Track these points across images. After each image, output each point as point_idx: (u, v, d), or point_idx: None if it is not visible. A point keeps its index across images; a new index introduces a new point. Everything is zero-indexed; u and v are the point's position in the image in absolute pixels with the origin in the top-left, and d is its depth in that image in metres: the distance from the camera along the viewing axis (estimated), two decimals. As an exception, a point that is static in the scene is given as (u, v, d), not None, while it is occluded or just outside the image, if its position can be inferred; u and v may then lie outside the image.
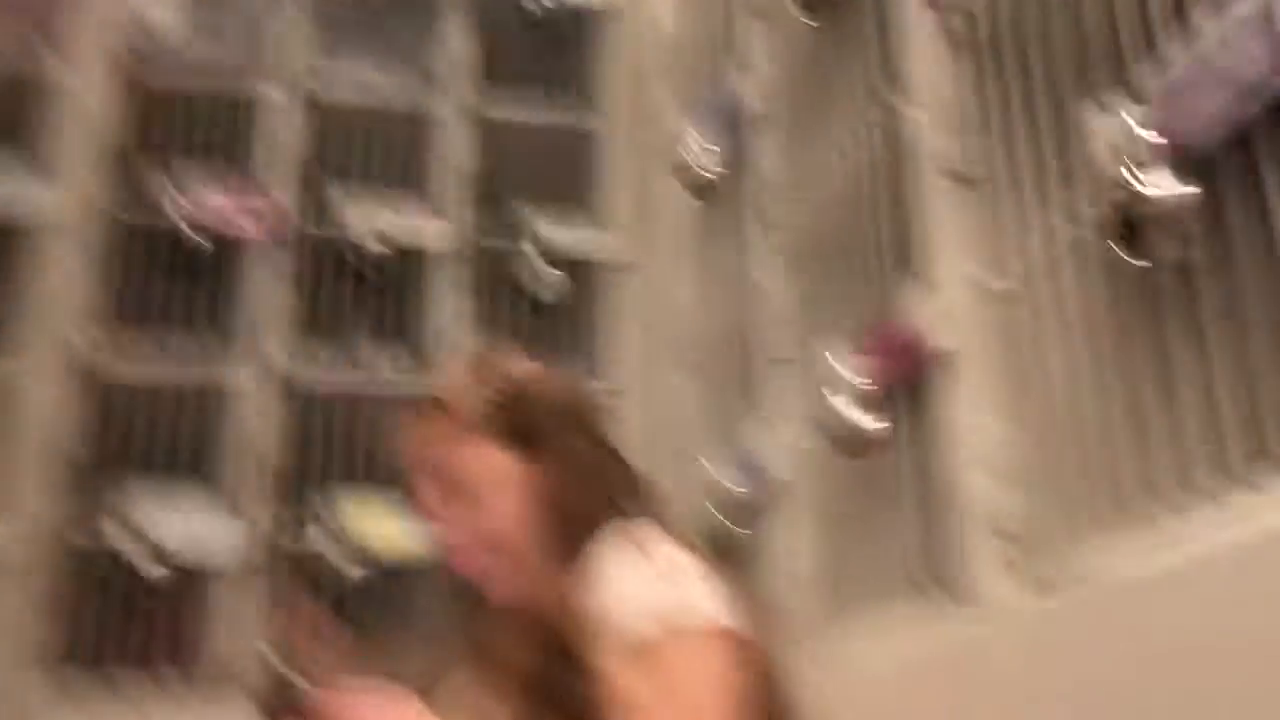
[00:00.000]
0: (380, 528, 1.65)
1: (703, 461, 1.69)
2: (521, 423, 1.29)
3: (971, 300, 0.95)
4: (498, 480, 1.27)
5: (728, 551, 1.44)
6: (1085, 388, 0.81)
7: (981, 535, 0.91)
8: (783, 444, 1.35)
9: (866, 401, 1.08)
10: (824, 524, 1.25)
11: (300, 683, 1.06)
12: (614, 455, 1.34)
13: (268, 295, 1.74)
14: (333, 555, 1.62)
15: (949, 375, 0.98)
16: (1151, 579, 0.72)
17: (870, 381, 1.09)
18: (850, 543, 1.18)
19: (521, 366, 1.37)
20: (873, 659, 1.09)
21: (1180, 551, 0.70)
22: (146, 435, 1.66)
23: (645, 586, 1.11)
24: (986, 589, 0.91)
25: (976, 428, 0.92)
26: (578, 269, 1.90)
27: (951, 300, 0.98)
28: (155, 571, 1.54)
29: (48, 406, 1.60)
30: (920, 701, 1.00)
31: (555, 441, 1.27)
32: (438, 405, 1.31)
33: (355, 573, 1.60)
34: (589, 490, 1.26)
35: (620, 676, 1.10)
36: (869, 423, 1.06)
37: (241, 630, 1.55)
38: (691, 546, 1.20)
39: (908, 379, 1.05)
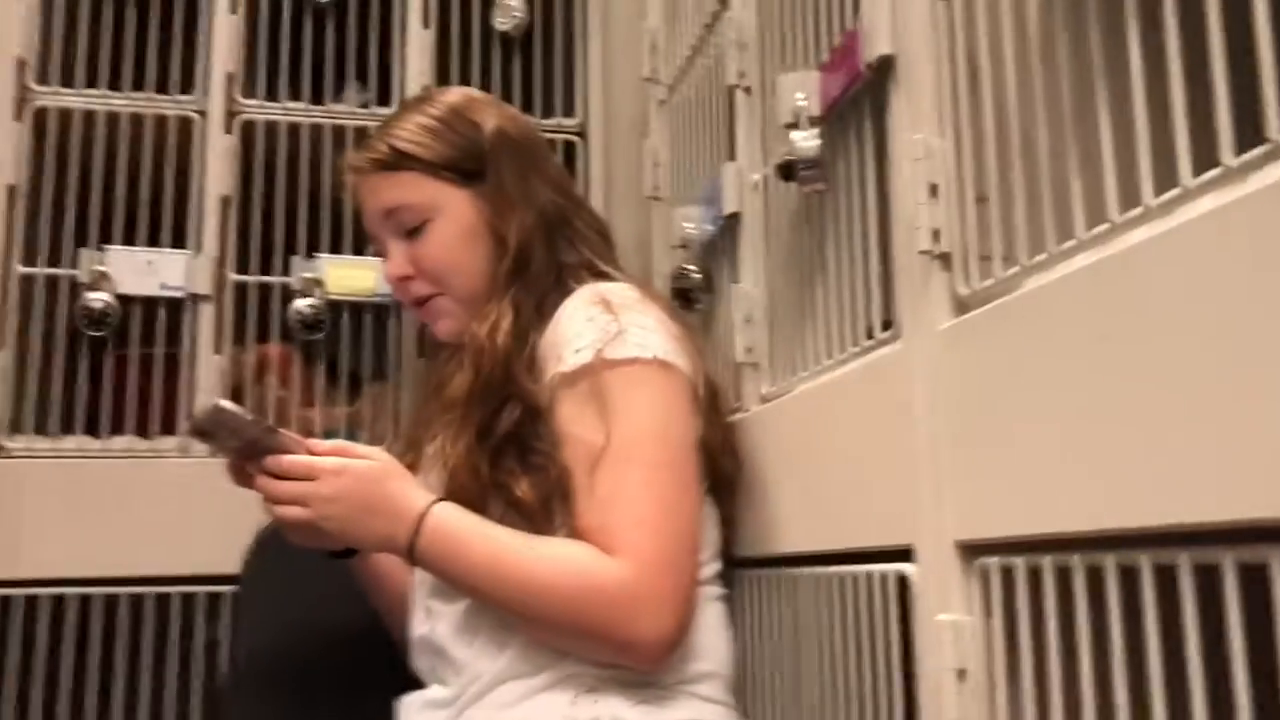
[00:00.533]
0: (341, 267, 1.63)
1: (666, 203, 1.66)
2: (468, 155, 1.26)
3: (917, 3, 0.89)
4: (442, 212, 1.25)
5: (688, 298, 1.42)
6: (1030, 97, 0.77)
7: (916, 257, 0.89)
8: (742, 179, 1.31)
9: (814, 123, 1.04)
10: (773, 258, 1.23)
11: (259, 421, 1.08)
12: (565, 193, 1.32)
13: (224, 26, 1.65)
14: (296, 290, 1.61)
15: (891, 86, 0.94)
16: (1074, 278, 0.70)
17: (820, 101, 1.05)
18: (798, 276, 1.16)
19: (471, 99, 1.33)
20: (813, 389, 1.10)
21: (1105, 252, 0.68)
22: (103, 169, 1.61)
23: (590, 325, 1.11)
24: (922, 310, 0.89)
25: (916, 143, 0.88)
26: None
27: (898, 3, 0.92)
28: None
29: None
30: (852, 423, 1.01)
31: (503, 174, 1.25)
32: (384, 140, 1.28)
33: (318, 310, 1.59)
34: (537, 226, 1.25)
35: (557, 405, 1.12)
36: (813, 145, 1.02)
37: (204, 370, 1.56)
38: (665, 307, 1.20)
39: (854, 96, 1.01)
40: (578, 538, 1.07)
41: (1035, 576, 0.74)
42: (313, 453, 1.09)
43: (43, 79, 1.60)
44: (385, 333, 1.65)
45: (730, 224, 1.32)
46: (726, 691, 1.16)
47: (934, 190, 0.87)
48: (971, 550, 0.82)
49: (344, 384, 1.70)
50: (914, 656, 0.88)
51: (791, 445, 1.13)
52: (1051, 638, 0.71)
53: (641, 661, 1.05)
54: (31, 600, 1.46)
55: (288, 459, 1.08)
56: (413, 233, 1.26)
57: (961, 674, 0.81)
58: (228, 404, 1.07)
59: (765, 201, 1.24)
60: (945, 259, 0.86)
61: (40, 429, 1.54)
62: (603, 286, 1.18)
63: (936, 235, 0.86)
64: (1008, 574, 0.77)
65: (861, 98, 1.00)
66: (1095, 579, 0.68)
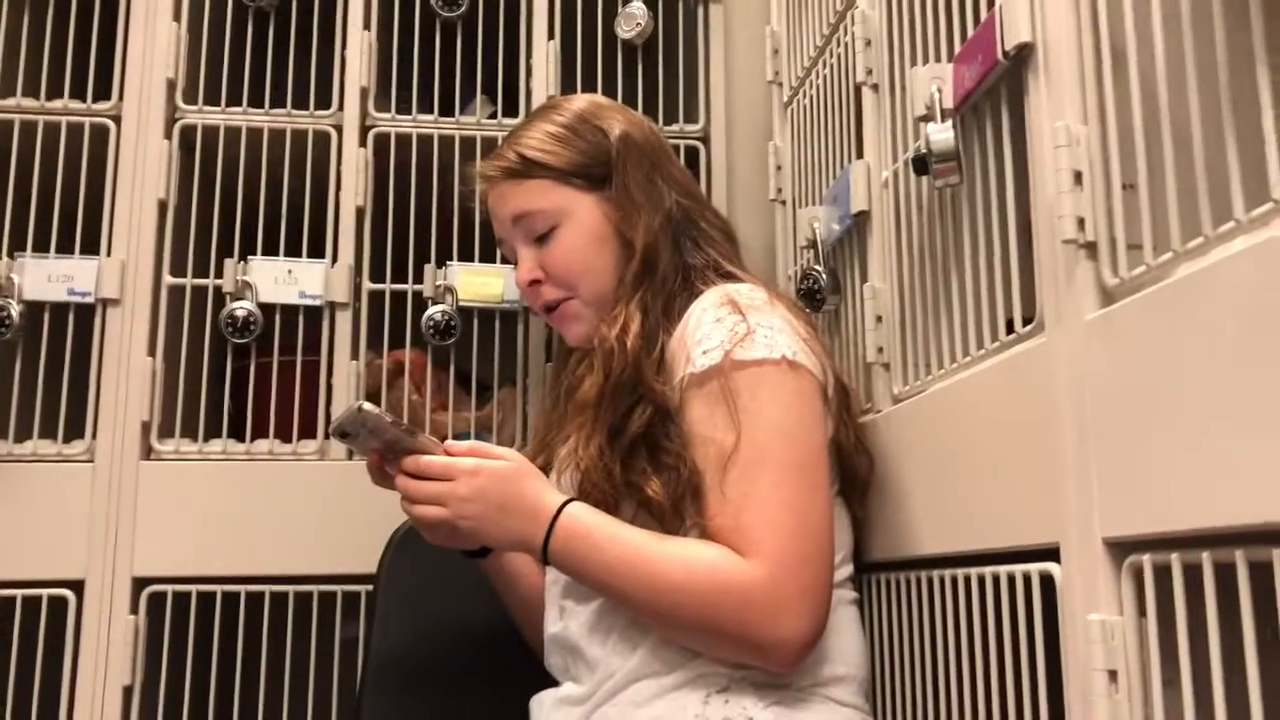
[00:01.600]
0: (471, 274, 1.66)
1: (790, 205, 1.65)
2: (595, 160, 1.28)
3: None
4: (570, 217, 1.27)
5: (816, 299, 1.41)
6: (1180, 77, 0.75)
7: (1060, 247, 0.87)
8: (870, 177, 1.30)
9: (947, 115, 1.02)
10: (904, 256, 1.21)
11: (398, 423, 1.11)
12: (691, 195, 1.32)
13: (357, 43, 1.70)
14: (428, 297, 1.65)
15: (1030, 74, 0.92)
16: (1232, 263, 0.67)
17: (954, 93, 1.03)
18: (931, 273, 1.14)
19: (597, 106, 1.34)
20: (948, 388, 1.08)
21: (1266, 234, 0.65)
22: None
23: (719, 326, 1.11)
24: (1066, 302, 0.87)
25: (1058, 130, 0.86)
26: (665, 4, 1.81)
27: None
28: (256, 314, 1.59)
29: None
30: (992, 420, 0.99)
31: (629, 178, 1.26)
32: (513, 148, 1.30)
33: (450, 316, 1.62)
34: (664, 229, 1.25)
35: (687, 406, 1.12)
36: (948, 138, 1.00)
37: (341, 376, 1.61)
38: (791, 307, 1.20)
39: (990, 86, 0.99)
40: (709, 538, 1.07)
41: (1193, 574, 0.71)
42: (449, 454, 1.11)
43: (190, 98, 1.67)
44: (514, 338, 1.67)
45: (859, 222, 1.31)
46: (860, 696, 1.14)
47: (1078, 178, 0.84)
48: (1121, 548, 0.79)
49: (474, 388, 1.74)
50: (1060, 659, 0.85)
51: (927, 445, 1.11)
52: (1213, 638, 0.69)
53: (776, 663, 1.05)
54: (181, 596, 1.52)
55: (425, 459, 1.11)
56: (542, 238, 1.28)
57: (1113, 675, 0.78)
58: (369, 405, 1.09)
59: (895, 198, 1.22)
60: (1091, 248, 0.84)
61: (188, 433, 1.61)
62: (730, 288, 1.18)
63: (1081, 224, 0.84)
64: (1162, 572, 0.74)
65: (998, 87, 0.98)
66: (1259, 575, 0.65)
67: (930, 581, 1.08)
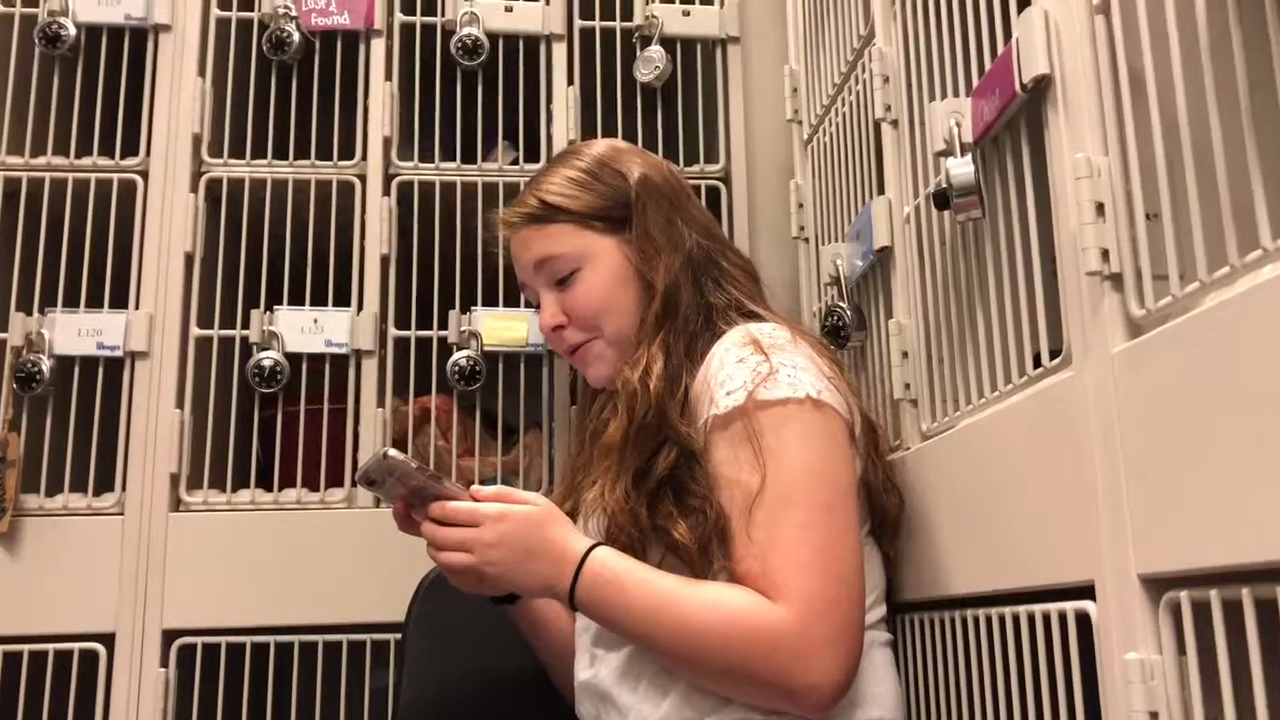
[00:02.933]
0: (496, 319, 1.67)
1: (812, 243, 1.65)
2: (615, 204, 1.28)
3: (1073, 16, 0.87)
4: (592, 260, 1.27)
5: (840, 335, 1.40)
6: (1201, 105, 0.74)
7: (1084, 280, 0.86)
8: (892, 213, 1.29)
9: (966, 149, 1.01)
10: (928, 291, 1.20)
11: (424, 468, 1.11)
12: (711, 235, 1.32)
13: (379, 94, 1.72)
14: (453, 343, 1.65)
15: (1049, 105, 0.91)
16: (1260, 291, 0.66)
17: (973, 127, 1.03)
18: (955, 308, 1.14)
19: (616, 150, 1.35)
20: (977, 423, 1.06)
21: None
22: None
23: (742, 367, 1.10)
24: (1093, 334, 0.86)
25: (1079, 162, 0.85)
26: (683, 47, 1.82)
27: (1054, 19, 0.90)
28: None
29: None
30: (1022, 456, 0.97)
31: (649, 220, 1.26)
32: (534, 194, 1.31)
33: (475, 362, 1.63)
34: (684, 269, 1.25)
35: (712, 447, 1.11)
36: (968, 171, 1.00)
37: (367, 423, 1.61)
38: (815, 345, 1.19)
39: (1009, 119, 0.98)
40: (737, 582, 1.05)
41: (1233, 610, 0.69)
42: (475, 499, 1.11)
43: (215, 152, 1.69)
44: (539, 381, 1.67)
45: (882, 258, 1.31)
46: (896, 737, 1.12)
47: (1100, 209, 0.83)
48: (1158, 584, 0.77)
49: (500, 433, 1.73)
50: (1099, 700, 0.83)
51: (956, 482, 1.10)
52: (1256, 676, 0.67)
53: (808, 708, 1.03)
54: (211, 648, 1.52)
55: (452, 505, 1.10)
56: (563, 282, 1.28)
57: (1154, 717, 0.76)
58: (395, 452, 1.09)
59: (917, 233, 1.22)
60: (1116, 279, 0.83)
61: (216, 484, 1.61)
62: (753, 327, 1.17)
63: (1105, 255, 0.83)
64: (1201, 608, 0.73)
65: (1017, 120, 0.98)
66: (1302, 611, 0.63)
67: (964, 621, 1.06)
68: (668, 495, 1.12)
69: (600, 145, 1.36)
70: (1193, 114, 0.74)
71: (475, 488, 1.13)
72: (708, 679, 1.06)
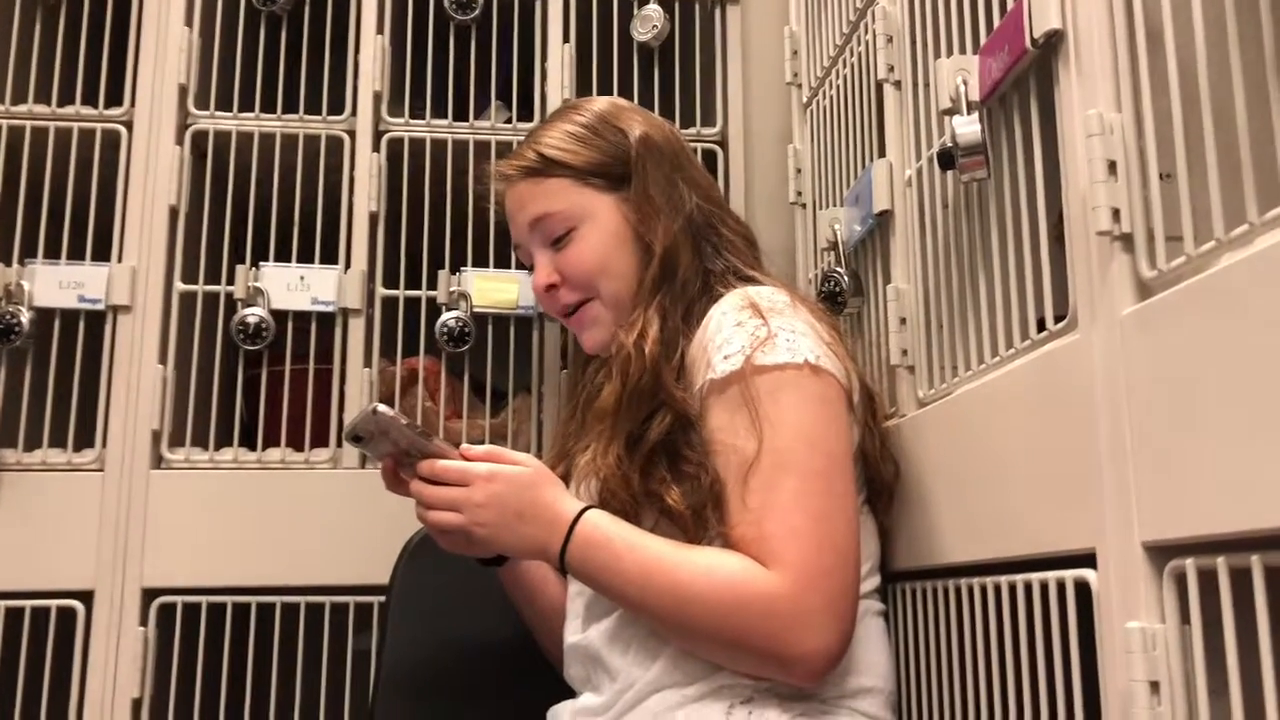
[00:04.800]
0: (486, 280, 1.64)
1: (809, 210, 1.62)
2: (614, 161, 1.25)
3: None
4: (588, 219, 1.24)
5: (837, 302, 1.38)
6: (1222, 60, 0.71)
7: (1093, 240, 0.83)
8: (893, 176, 1.26)
9: (973, 108, 0.99)
10: (928, 255, 1.18)
11: (414, 425, 1.08)
12: (711, 199, 1.29)
13: (370, 47, 1.68)
14: (442, 304, 1.62)
15: (1060, 61, 0.88)
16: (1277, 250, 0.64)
17: (980, 85, 1.00)
18: (956, 272, 1.11)
19: (618, 107, 1.32)
20: (976, 389, 1.04)
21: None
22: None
23: (739, 331, 1.08)
24: (1101, 296, 0.83)
25: (1090, 119, 0.83)
26: (681, 6, 1.78)
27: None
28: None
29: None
30: (1023, 422, 0.95)
31: (648, 180, 1.23)
32: (532, 147, 1.28)
33: (464, 323, 1.60)
34: (683, 232, 1.22)
35: (708, 412, 1.08)
36: (974, 130, 0.97)
37: (354, 383, 1.58)
38: (814, 310, 1.16)
39: (1017, 76, 0.96)
40: (731, 548, 1.03)
41: (1240, 579, 0.67)
42: (466, 458, 1.09)
43: (202, 104, 1.65)
44: (529, 344, 1.64)
45: (881, 222, 1.28)
46: (887, 709, 1.10)
47: (1112, 167, 0.81)
48: (1162, 552, 0.76)
49: (489, 396, 1.71)
50: (1098, 670, 0.82)
51: (954, 449, 1.08)
52: (1264, 645, 0.65)
53: (800, 677, 1.01)
54: (191, 608, 1.50)
55: (441, 464, 1.08)
56: (559, 241, 1.25)
57: (1154, 687, 0.74)
58: (384, 408, 1.07)
59: (919, 196, 1.19)
60: (1126, 240, 0.80)
61: (199, 442, 1.59)
62: (751, 290, 1.15)
63: (1116, 215, 0.80)
64: (1207, 577, 0.71)
65: (1026, 77, 0.95)
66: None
67: (959, 591, 1.05)
68: (661, 461, 1.10)
69: (601, 102, 1.33)
70: (1213, 65, 0.72)
71: (466, 447, 1.11)
72: (699, 645, 1.04)
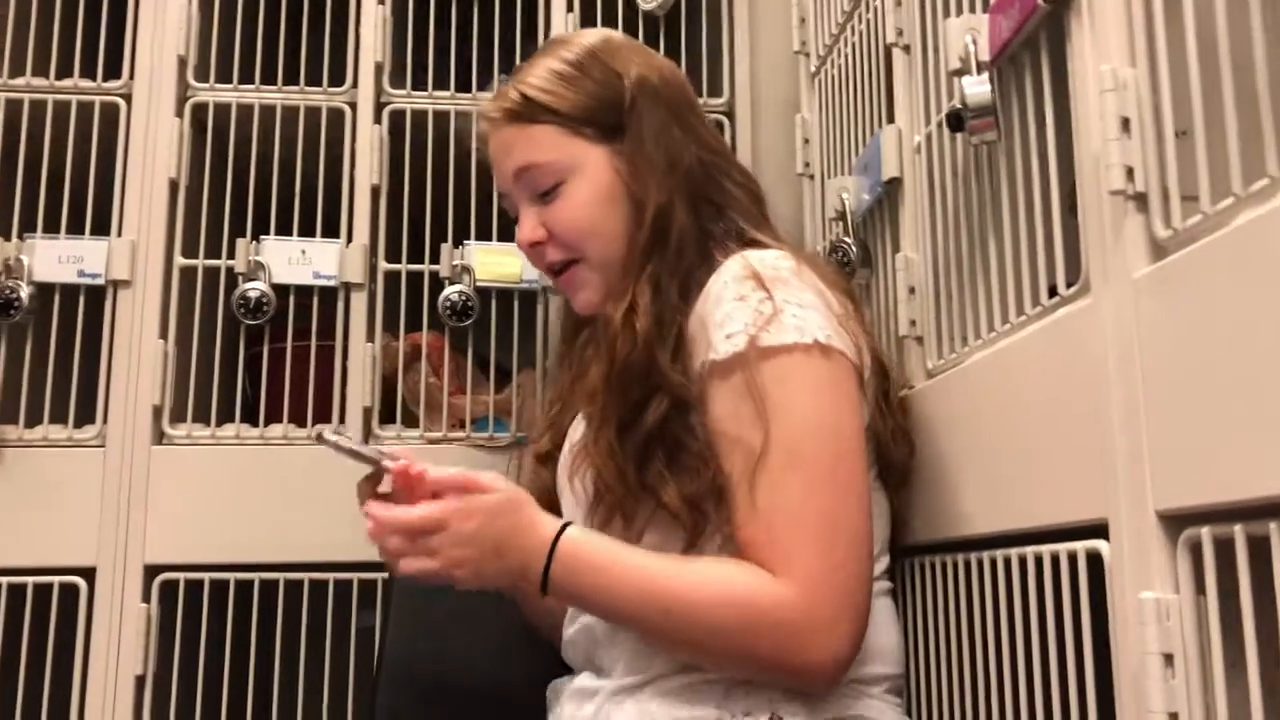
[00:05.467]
0: (489, 253, 1.62)
1: (817, 180, 1.60)
2: (606, 106, 1.14)
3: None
4: (576, 172, 1.14)
5: (847, 273, 1.35)
6: (1243, 11, 0.69)
7: (1106, 200, 0.81)
8: (902, 142, 1.24)
9: (983, 68, 0.96)
10: (938, 222, 1.15)
11: (361, 455, 1.03)
12: (714, 151, 1.19)
13: (372, 17, 1.66)
14: (445, 278, 1.60)
15: (1072, 16, 0.86)
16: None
17: (990, 45, 0.97)
18: (966, 239, 1.09)
19: (611, 43, 1.20)
20: (986, 359, 1.02)
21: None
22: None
23: (742, 306, 1.00)
24: (1114, 258, 0.81)
25: (1103, 75, 0.80)
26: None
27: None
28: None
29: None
30: (1033, 391, 0.93)
31: (644, 130, 1.13)
32: (516, 87, 1.17)
33: (467, 297, 1.58)
34: (680, 190, 1.12)
35: (709, 399, 1.02)
36: (984, 91, 0.95)
37: (356, 358, 1.56)
38: (824, 273, 1.09)
39: (1028, 34, 0.93)
40: (738, 548, 0.99)
41: (1258, 547, 0.65)
42: (428, 483, 1.00)
43: (202, 76, 1.63)
44: (533, 319, 1.62)
45: (890, 190, 1.25)
46: (894, 688, 1.08)
47: (1125, 125, 0.78)
48: (1177, 521, 0.73)
49: (492, 371, 1.69)
50: (1110, 642, 0.80)
51: (963, 421, 1.05)
52: (1282, 615, 0.63)
53: (815, 684, 0.97)
54: (193, 584, 1.49)
55: (405, 518, 0.99)
56: (545, 194, 1.15)
57: (1168, 659, 0.72)
58: (331, 435, 1.02)
59: (928, 163, 1.17)
60: (1140, 199, 0.78)
61: (201, 417, 1.57)
62: (753, 256, 1.06)
63: (1130, 173, 0.78)
64: (1223, 545, 0.68)
65: (1037, 35, 0.92)
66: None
67: (968, 564, 1.02)
68: (658, 451, 1.03)
69: (592, 36, 1.21)
70: (1232, 19, 0.69)
71: (430, 475, 1.01)
72: (704, 659, 0.99)
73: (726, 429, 1.01)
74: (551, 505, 1.13)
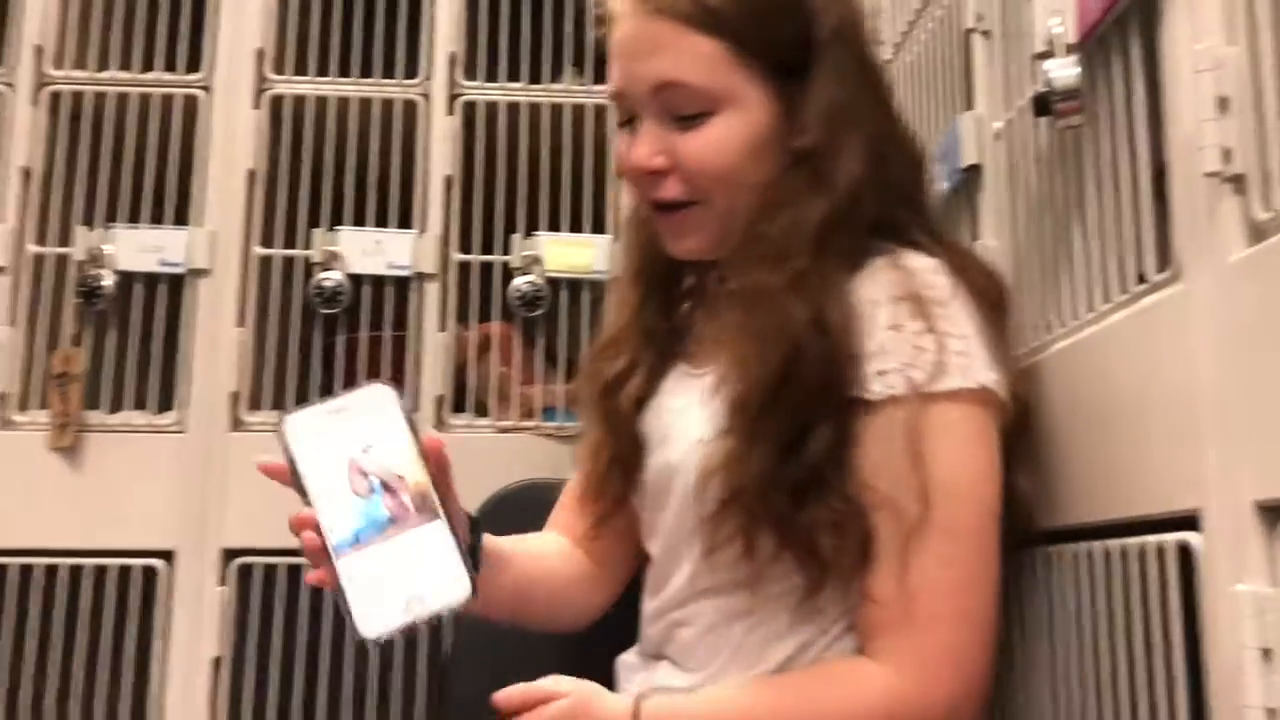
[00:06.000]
0: (560, 244, 1.62)
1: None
2: (792, 43, 0.98)
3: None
4: (734, 107, 0.97)
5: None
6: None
7: (1200, 182, 0.78)
8: (981, 128, 1.22)
9: (1069, 50, 0.94)
10: (1019, 209, 1.13)
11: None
12: (898, 121, 1.07)
13: (446, 9, 1.67)
14: (517, 268, 1.61)
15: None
16: None
17: (1077, 27, 0.95)
18: (1050, 225, 1.06)
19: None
20: (1070, 347, 1.00)
21: None
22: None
23: (898, 340, 0.91)
24: (1207, 242, 0.79)
25: (1200, 54, 0.78)
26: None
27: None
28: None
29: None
30: (1121, 379, 0.91)
31: (831, 82, 0.98)
32: None
33: (538, 287, 1.59)
34: (868, 162, 0.97)
35: (866, 445, 0.91)
36: (1072, 74, 0.92)
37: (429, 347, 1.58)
38: (977, 277, 0.99)
39: (1118, 14, 0.91)
40: (863, 617, 0.92)
41: (1364, 539, 0.63)
42: (496, 706, 0.92)
43: (279, 68, 1.66)
44: (603, 309, 1.62)
45: (969, 177, 1.23)
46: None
47: (1223, 105, 0.76)
48: (1274, 511, 0.71)
49: (563, 363, 1.69)
50: (1200, 637, 0.77)
51: (1046, 410, 1.03)
52: (1390, 608, 0.60)
53: None
54: (269, 569, 1.51)
55: None
56: (684, 120, 0.97)
57: (1267, 654, 0.70)
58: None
59: (1009, 149, 1.14)
60: (1238, 181, 0.75)
61: (277, 404, 1.59)
62: (908, 269, 0.93)
63: (1228, 155, 0.75)
64: (1327, 537, 0.66)
65: (1128, 15, 0.90)
66: None
67: (1049, 560, 1.00)
68: (814, 492, 0.90)
69: None
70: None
71: (498, 695, 0.92)
72: None
73: (880, 485, 0.90)
74: (622, 456, 1.06)
